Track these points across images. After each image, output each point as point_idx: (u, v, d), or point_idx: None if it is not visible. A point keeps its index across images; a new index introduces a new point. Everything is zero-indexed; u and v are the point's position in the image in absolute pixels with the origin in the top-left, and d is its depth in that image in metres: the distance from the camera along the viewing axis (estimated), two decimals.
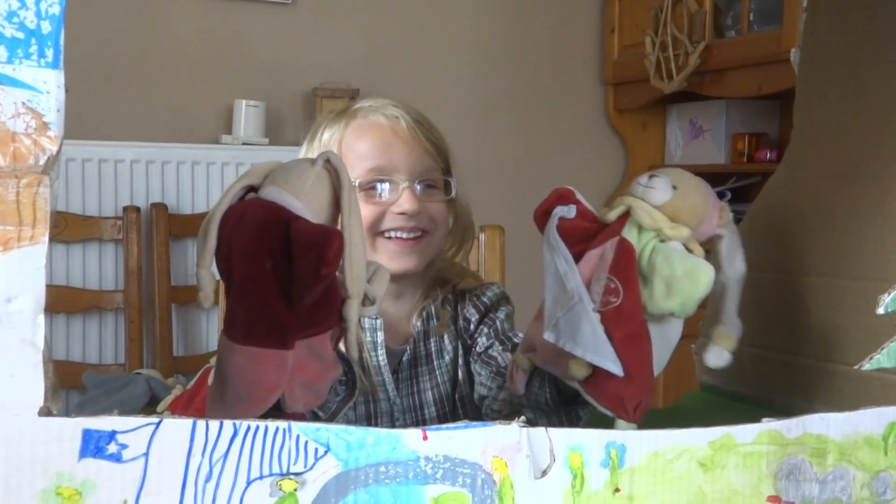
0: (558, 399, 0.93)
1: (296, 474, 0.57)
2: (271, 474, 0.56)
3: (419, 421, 1.17)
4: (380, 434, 0.58)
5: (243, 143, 2.68)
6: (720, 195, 2.85)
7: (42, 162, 0.48)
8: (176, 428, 0.54)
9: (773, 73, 2.57)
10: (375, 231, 1.11)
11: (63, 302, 2.41)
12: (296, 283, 0.68)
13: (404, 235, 1.11)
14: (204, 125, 2.75)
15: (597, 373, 0.78)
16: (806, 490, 0.68)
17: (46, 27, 0.48)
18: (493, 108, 3.17)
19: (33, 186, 0.48)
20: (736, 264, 0.82)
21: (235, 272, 0.69)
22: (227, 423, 0.55)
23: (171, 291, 2.50)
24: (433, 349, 1.18)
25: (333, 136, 1.15)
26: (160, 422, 0.53)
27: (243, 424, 0.55)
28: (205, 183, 2.61)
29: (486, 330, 1.18)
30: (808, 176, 0.95)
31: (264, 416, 0.76)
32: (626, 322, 0.77)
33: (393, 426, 1.13)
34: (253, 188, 0.73)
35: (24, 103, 0.48)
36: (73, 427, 0.51)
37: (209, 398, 0.71)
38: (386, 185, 1.12)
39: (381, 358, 1.14)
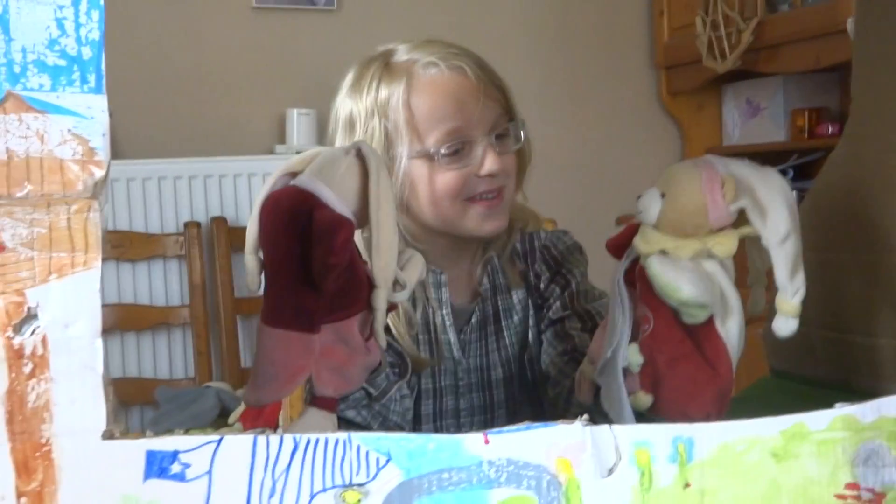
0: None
1: (359, 485, 0.56)
2: (334, 486, 0.56)
3: (485, 382, 1.14)
4: (441, 440, 0.58)
5: (297, 152, 2.69)
6: (782, 173, 2.77)
7: (91, 187, 0.49)
8: (237, 444, 0.54)
9: (830, 45, 2.50)
10: (463, 198, 1.06)
11: (132, 320, 2.46)
12: (313, 270, 0.69)
13: (489, 196, 1.06)
14: (257, 136, 2.78)
15: (657, 399, 0.77)
16: (885, 475, 0.65)
17: (87, 53, 0.48)
18: (542, 98, 3.14)
19: (83, 212, 0.49)
20: (772, 227, 0.73)
21: (268, 257, 0.71)
22: (288, 437, 0.55)
23: (236, 303, 2.53)
24: (501, 307, 1.14)
25: (395, 95, 1.07)
26: (221, 439, 0.53)
27: (303, 438, 0.55)
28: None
29: (558, 291, 1.13)
30: (870, 149, 0.92)
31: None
32: (664, 346, 0.77)
33: (457, 385, 1.13)
34: (296, 175, 0.75)
35: (69, 130, 0.48)
36: (136, 449, 0.51)
37: (248, 381, 0.73)
38: (464, 148, 1.05)
39: (446, 317, 1.11)
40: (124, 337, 2.49)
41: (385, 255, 0.73)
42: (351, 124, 1.11)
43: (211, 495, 0.53)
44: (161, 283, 2.53)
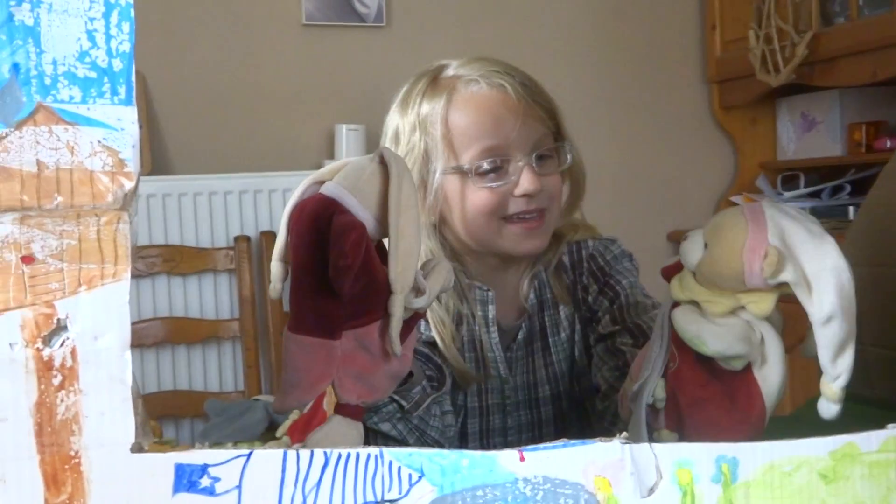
0: None
1: (391, 501, 0.55)
2: (366, 502, 0.55)
3: (532, 400, 1.13)
4: (475, 457, 0.57)
5: None
6: (838, 189, 2.69)
7: (120, 199, 0.49)
8: (267, 459, 0.53)
9: (888, 58, 2.45)
10: (499, 217, 1.05)
11: (182, 333, 2.48)
12: (329, 274, 0.69)
13: (527, 217, 1.05)
14: (307, 151, 2.80)
15: (682, 437, 0.76)
16: None
17: (118, 65, 0.48)
18: (593, 113, 3.12)
19: (113, 224, 0.49)
20: (817, 305, 0.69)
21: (293, 263, 0.72)
22: (318, 452, 0.54)
23: (284, 317, 2.54)
24: (548, 324, 1.13)
25: (434, 111, 1.07)
26: (251, 453, 0.53)
27: (334, 453, 0.55)
28: None
29: (607, 304, 1.11)
30: None
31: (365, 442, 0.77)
32: (686, 387, 0.76)
33: (504, 403, 1.11)
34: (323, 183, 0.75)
35: (99, 142, 0.48)
36: (165, 462, 0.51)
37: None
38: (502, 167, 1.04)
39: (493, 335, 1.10)
40: (175, 350, 2.51)
41: (403, 260, 0.72)
42: (396, 138, 1.11)
43: None
44: (211, 297, 2.55)
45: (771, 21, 2.83)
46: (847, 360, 0.70)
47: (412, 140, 1.08)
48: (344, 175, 0.74)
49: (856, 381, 0.99)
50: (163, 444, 1.72)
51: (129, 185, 0.49)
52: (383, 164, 0.74)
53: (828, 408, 0.72)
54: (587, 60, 3.12)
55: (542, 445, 0.58)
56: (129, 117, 0.48)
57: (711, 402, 0.75)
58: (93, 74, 0.48)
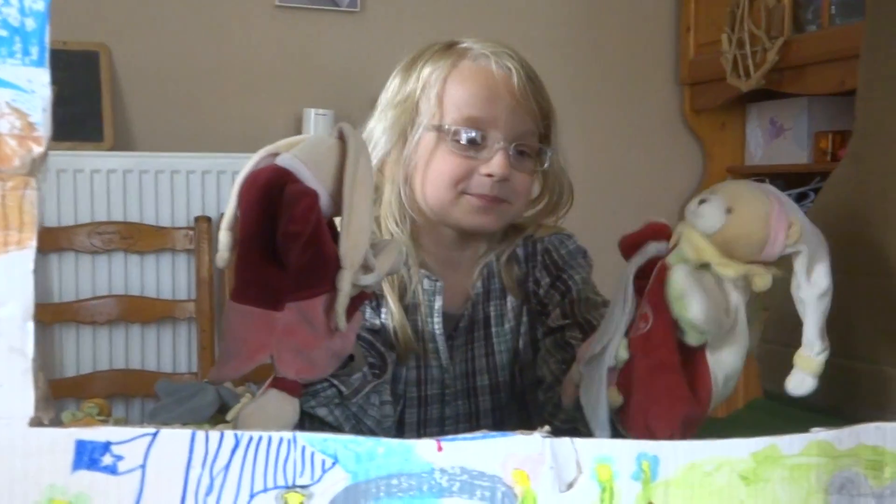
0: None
1: (302, 487, 0.54)
2: (276, 487, 0.54)
3: (472, 389, 1.12)
4: (391, 445, 0.56)
5: None
6: (802, 196, 2.71)
7: (28, 163, 0.47)
8: (174, 439, 0.52)
9: (856, 68, 2.46)
10: (458, 189, 1.05)
11: (137, 311, 2.45)
12: (277, 242, 0.69)
13: (485, 192, 1.05)
14: (274, 134, 2.75)
15: (628, 402, 0.75)
16: None
17: (31, 24, 0.47)
18: (565, 109, 3.09)
19: (19, 189, 0.47)
20: (814, 280, 0.73)
21: (241, 232, 0.71)
22: (228, 434, 0.53)
23: None
24: (492, 314, 1.12)
25: (436, 72, 1.08)
26: (157, 432, 0.51)
27: (245, 435, 0.53)
28: None
29: (558, 298, 1.11)
30: (871, 171, 0.90)
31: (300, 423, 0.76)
32: (653, 351, 0.75)
33: (443, 393, 1.10)
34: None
35: (7, 103, 0.47)
36: (65, 438, 0.49)
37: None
38: (480, 142, 1.04)
39: (436, 325, 1.09)
40: (129, 328, 2.48)
41: (354, 236, 0.71)
42: (393, 96, 1.11)
43: (143, 490, 0.51)
44: (168, 277, 2.52)
45: (744, 26, 2.84)
46: (825, 335, 0.74)
47: (408, 91, 1.09)
48: (300, 148, 0.73)
49: None
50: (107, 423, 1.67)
51: (38, 150, 0.47)
52: (342, 140, 0.73)
53: (803, 381, 0.74)
54: (562, 56, 3.12)
55: (460, 436, 0.57)
56: (40, 79, 0.47)
57: (672, 371, 0.75)
58: (4, 33, 0.46)
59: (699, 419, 0.76)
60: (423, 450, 0.56)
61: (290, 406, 0.75)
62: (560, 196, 1.14)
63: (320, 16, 2.85)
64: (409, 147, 1.07)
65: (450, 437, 0.57)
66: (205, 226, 2.50)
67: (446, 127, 1.05)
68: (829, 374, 0.94)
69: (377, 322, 1.07)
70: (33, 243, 0.47)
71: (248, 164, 0.74)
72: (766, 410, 1.01)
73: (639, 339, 0.77)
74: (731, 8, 2.90)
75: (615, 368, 0.79)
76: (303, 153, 0.72)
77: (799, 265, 0.73)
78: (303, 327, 0.72)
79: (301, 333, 0.72)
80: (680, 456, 0.60)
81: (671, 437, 0.73)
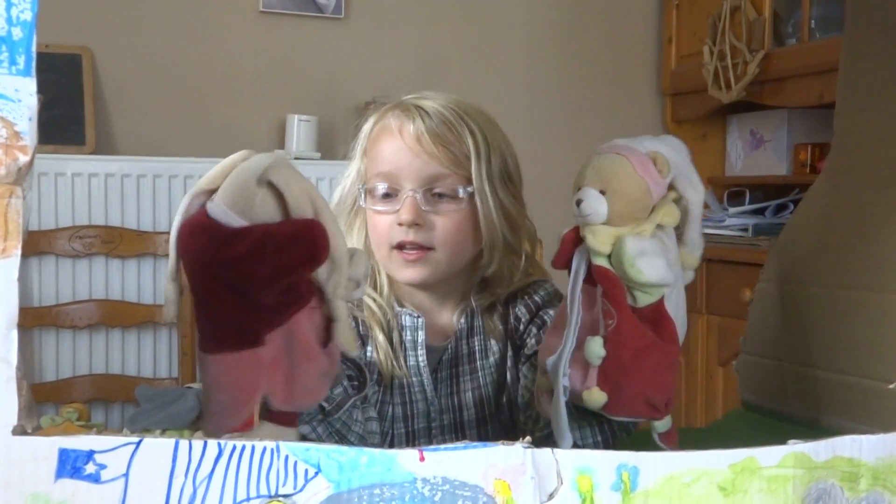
0: (590, 414, 0.89)
1: (285, 496, 0.54)
2: (259, 496, 0.54)
3: (458, 422, 1.13)
4: (374, 454, 0.56)
5: (296, 158, 2.69)
6: (782, 207, 2.73)
7: (14, 172, 0.47)
8: (158, 448, 0.52)
9: (835, 81, 2.48)
10: (389, 245, 1.08)
11: (118, 316, 2.44)
12: (274, 278, 0.67)
13: (408, 247, 1.07)
14: (257, 140, 2.77)
15: (615, 392, 0.77)
16: None
17: (18, 34, 0.47)
18: (548, 119, 3.13)
19: (4, 198, 0.47)
20: (695, 185, 0.80)
21: (193, 288, 0.69)
22: (212, 443, 0.53)
23: None
24: (477, 348, 1.13)
25: (365, 130, 1.13)
26: (140, 441, 0.51)
27: (228, 444, 0.53)
28: None
29: (534, 331, 1.12)
30: (849, 185, 0.91)
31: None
32: (628, 339, 0.78)
33: (430, 427, 1.11)
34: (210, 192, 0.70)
35: None
36: (48, 446, 0.49)
37: (203, 420, 0.71)
38: (393, 195, 1.08)
39: (420, 358, 1.11)
40: (109, 333, 2.47)
41: (337, 261, 0.71)
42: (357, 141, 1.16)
43: (126, 499, 0.51)
44: (150, 282, 2.51)
45: (725, 38, 2.86)
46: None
47: (354, 154, 1.15)
48: (232, 200, 0.68)
49: (774, 396, 1.00)
50: (88, 428, 1.69)
51: (24, 158, 0.47)
52: (269, 187, 0.69)
53: (687, 275, 0.80)
54: (543, 68, 3.13)
55: (442, 446, 0.57)
56: (27, 89, 0.47)
57: (652, 348, 0.78)
58: None
59: (677, 360, 0.82)
60: (406, 459, 0.56)
61: (291, 437, 0.74)
62: (505, 234, 1.11)
63: (304, 22, 2.85)
64: (354, 208, 1.13)
65: (432, 447, 0.57)
66: None
67: (360, 186, 1.11)
68: (807, 386, 0.95)
69: (364, 358, 1.09)
70: (18, 251, 0.47)
71: (179, 209, 0.71)
72: (745, 421, 1.03)
73: (611, 334, 0.80)
74: (713, 20, 2.93)
75: (594, 368, 0.81)
76: (237, 206, 0.68)
77: (681, 183, 0.79)
78: (289, 353, 0.71)
79: (289, 361, 0.71)
80: (659, 467, 0.60)
81: (668, 404, 0.80)
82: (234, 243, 0.67)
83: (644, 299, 0.78)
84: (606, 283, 0.78)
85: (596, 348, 0.79)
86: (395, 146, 1.08)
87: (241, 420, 0.71)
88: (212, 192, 0.70)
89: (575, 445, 0.83)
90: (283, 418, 0.73)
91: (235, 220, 0.68)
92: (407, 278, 1.09)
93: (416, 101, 1.11)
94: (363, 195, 1.10)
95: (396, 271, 1.09)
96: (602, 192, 0.77)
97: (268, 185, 0.69)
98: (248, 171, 0.70)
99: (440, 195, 1.08)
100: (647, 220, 0.77)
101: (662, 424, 0.82)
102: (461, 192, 1.08)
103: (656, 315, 0.78)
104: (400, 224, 1.06)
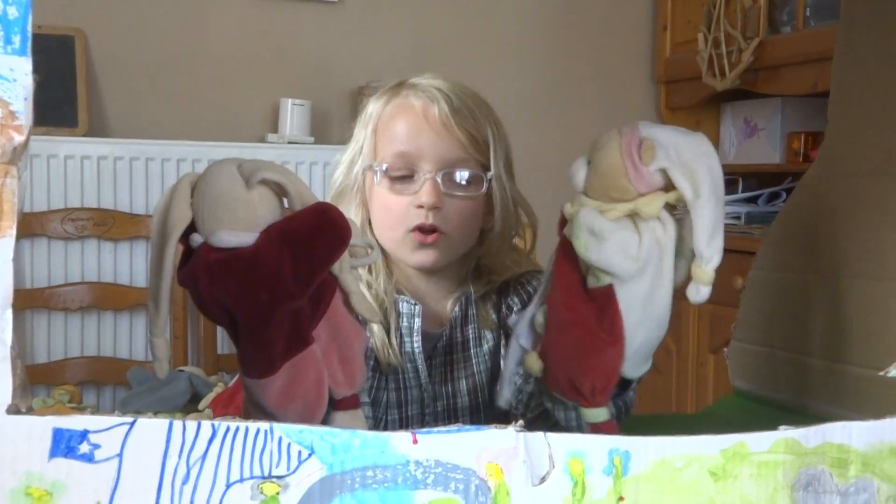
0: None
1: (278, 477, 0.55)
2: (252, 477, 0.54)
3: (451, 409, 1.14)
4: (367, 437, 0.56)
5: (289, 142, 2.69)
6: (774, 196, 2.73)
7: (9, 152, 0.47)
8: (151, 428, 0.52)
9: (829, 70, 2.48)
10: (403, 227, 1.08)
11: (110, 299, 2.43)
12: (311, 273, 0.66)
13: (424, 230, 1.07)
14: (250, 124, 2.76)
15: (549, 365, 0.77)
16: (826, 502, 0.64)
17: (13, 13, 0.47)
18: (541, 106, 3.13)
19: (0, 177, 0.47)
20: (693, 188, 0.71)
21: (240, 317, 0.67)
22: (205, 424, 0.53)
23: None
24: (471, 336, 1.14)
25: (374, 110, 1.12)
26: (134, 421, 0.52)
27: (222, 425, 0.54)
28: None
29: None
30: (842, 173, 0.91)
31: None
32: (557, 309, 0.77)
33: (423, 414, 1.12)
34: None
35: None
36: (42, 426, 0.50)
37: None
38: (411, 176, 1.08)
39: (416, 344, 1.11)
40: (101, 316, 2.47)
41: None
42: (361, 120, 1.16)
43: (120, 479, 0.51)
44: (142, 264, 2.50)
45: (720, 26, 2.86)
46: (719, 242, 0.72)
47: (358, 136, 1.14)
48: (232, 218, 0.66)
49: (764, 383, 1.01)
50: (80, 410, 1.69)
51: (19, 138, 0.47)
52: (263, 184, 0.68)
53: (698, 291, 0.73)
54: (538, 54, 3.13)
55: (435, 429, 0.58)
56: (22, 68, 0.47)
57: (577, 324, 0.76)
58: None
59: (616, 360, 0.76)
60: (399, 442, 0.57)
61: (361, 423, 0.74)
62: (511, 222, 1.15)
63: (299, 6, 2.84)
64: (356, 186, 1.12)
65: (425, 430, 0.57)
66: None
67: (382, 167, 1.09)
68: (798, 373, 0.96)
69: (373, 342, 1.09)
70: (13, 232, 0.47)
71: (159, 266, 0.68)
72: (736, 407, 1.03)
73: (547, 302, 0.80)
74: (708, 7, 2.92)
75: (539, 336, 0.81)
76: (242, 223, 0.66)
77: (676, 179, 0.72)
78: (335, 339, 0.71)
79: (336, 345, 0.71)
80: (651, 452, 0.61)
81: (593, 390, 0.75)
82: (263, 261, 0.66)
83: (591, 280, 0.75)
84: (558, 252, 0.78)
85: (540, 316, 0.80)
86: (416, 127, 1.08)
87: (317, 420, 0.71)
88: (191, 228, 0.68)
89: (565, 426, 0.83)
90: (348, 403, 0.73)
91: (247, 238, 0.66)
92: (419, 261, 1.09)
93: (433, 84, 1.11)
94: (377, 174, 1.09)
95: (409, 254, 1.09)
96: (588, 162, 0.76)
97: (261, 183, 0.68)
98: (227, 184, 0.67)
99: (458, 179, 1.09)
100: (623, 203, 0.74)
101: (592, 414, 0.77)
102: (482, 178, 1.10)
103: (603, 303, 0.75)
104: (420, 206, 1.06)
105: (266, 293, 0.66)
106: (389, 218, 1.09)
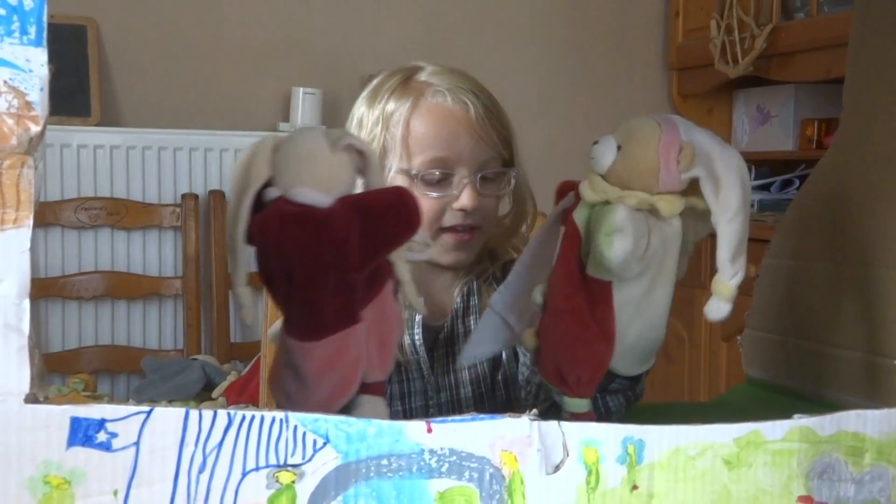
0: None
1: (293, 466, 0.55)
2: (268, 465, 0.55)
3: (454, 400, 1.15)
4: (381, 426, 0.56)
5: None
6: (787, 183, 2.71)
7: (25, 142, 0.47)
8: (168, 417, 0.52)
9: (844, 57, 2.47)
10: (437, 226, 1.09)
11: (123, 288, 2.45)
12: (376, 250, 0.67)
13: (459, 229, 1.10)
14: (262, 113, 2.77)
15: (540, 346, 0.77)
16: (841, 490, 0.64)
17: (29, 3, 0.47)
18: (553, 93, 3.12)
19: (16, 168, 0.47)
20: (723, 201, 0.70)
21: (294, 277, 0.67)
22: (222, 413, 0.54)
23: (229, 278, 2.52)
24: (472, 327, 1.14)
25: (399, 112, 1.11)
26: (151, 410, 0.52)
27: (238, 414, 0.54)
28: None
29: None
30: (857, 160, 0.90)
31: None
32: (552, 299, 0.76)
33: (427, 405, 1.13)
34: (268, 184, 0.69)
35: (5, 82, 0.47)
36: (60, 414, 0.50)
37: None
38: (447, 179, 1.09)
39: (416, 336, 1.12)
40: (115, 305, 2.48)
41: None
42: (360, 126, 1.14)
43: (137, 467, 0.52)
44: (155, 254, 2.52)
45: (733, 12, 2.84)
46: (744, 258, 0.70)
47: (374, 132, 1.12)
48: (313, 176, 0.67)
49: (777, 371, 1.00)
50: (95, 399, 1.71)
51: (35, 129, 0.47)
52: (347, 151, 0.69)
53: (719, 307, 0.71)
54: (550, 41, 3.12)
55: (450, 418, 0.58)
56: (38, 59, 0.47)
57: (570, 314, 0.75)
58: (2, 11, 0.46)
59: (605, 354, 0.76)
60: (413, 431, 0.57)
61: (384, 409, 0.74)
62: (523, 207, 1.19)
63: None
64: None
65: (439, 419, 0.58)
66: (192, 203, 2.50)
67: (414, 171, 1.09)
68: (813, 361, 0.96)
69: None
70: (30, 222, 0.48)
71: (236, 212, 0.68)
72: (749, 396, 1.03)
73: (547, 289, 0.78)
74: None
75: (538, 313, 0.80)
76: (323, 183, 0.67)
77: (706, 190, 0.71)
78: (379, 323, 0.71)
79: (378, 330, 0.71)
80: (665, 440, 0.61)
81: (579, 380, 0.75)
82: (334, 224, 0.66)
83: (591, 268, 0.73)
84: (565, 235, 0.76)
85: (537, 295, 0.79)
86: (454, 132, 1.09)
87: (349, 399, 0.71)
88: (266, 184, 0.68)
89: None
90: (377, 389, 0.73)
91: (324, 199, 0.66)
92: (452, 260, 1.12)
93: (451, 81, 1.11)
94: (410, 178, 1.09)
95: (441, 254, 1.10)
96: (618, 148, 0.74)
97: (346, 148, 0.69)
98: (312, 144, 0.69)
99: (491, 179, 1.11)
100: (640, 194, 0.72)
101: (574, 404, 0.76)
102: (510, 174, 1.13)
103: (599, 297, 0.74)
104: (462, 210, 1.08)
105: (330, 255, 0.66)
106: (424, 221, 1.09)
